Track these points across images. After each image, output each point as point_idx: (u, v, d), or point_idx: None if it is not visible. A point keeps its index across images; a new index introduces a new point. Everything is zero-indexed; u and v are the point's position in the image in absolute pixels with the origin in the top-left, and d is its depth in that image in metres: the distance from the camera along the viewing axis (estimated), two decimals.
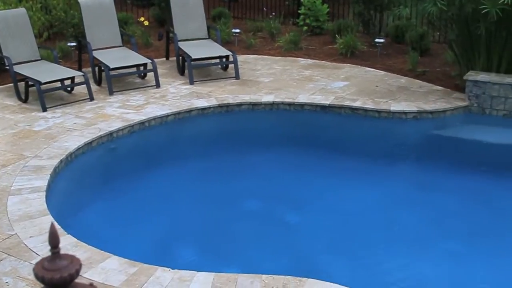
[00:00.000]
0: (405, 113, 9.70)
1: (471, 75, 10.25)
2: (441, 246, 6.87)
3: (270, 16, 15.46)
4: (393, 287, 6.08)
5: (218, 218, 7.44)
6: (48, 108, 9.50)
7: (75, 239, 5.93)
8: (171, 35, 12.02)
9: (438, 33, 13.70)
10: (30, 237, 6.00)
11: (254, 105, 10.07)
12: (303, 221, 7.45)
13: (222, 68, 11.89)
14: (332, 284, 5.20)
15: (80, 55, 11.56)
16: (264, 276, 5.36)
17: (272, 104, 10.06)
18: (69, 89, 10.34)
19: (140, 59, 11.01)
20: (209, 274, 5.39)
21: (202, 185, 8.30)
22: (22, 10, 10.76)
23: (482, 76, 10.18)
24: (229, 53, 11.46)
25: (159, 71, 11.13)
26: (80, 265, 2.35)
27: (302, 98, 10.15)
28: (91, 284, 2.41)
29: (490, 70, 10.53)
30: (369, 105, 9.86)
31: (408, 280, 6.25)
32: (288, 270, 5.68)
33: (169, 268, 5.50)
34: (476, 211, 7.70)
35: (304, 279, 5.29)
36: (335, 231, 7.18)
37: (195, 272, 5.43)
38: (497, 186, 8.32)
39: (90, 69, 11.05)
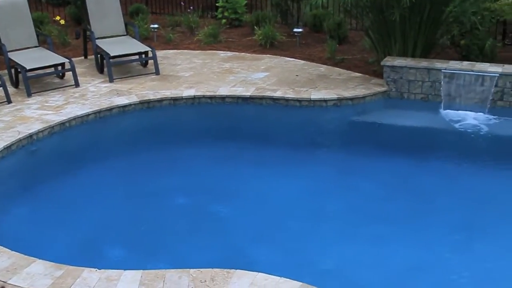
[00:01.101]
0: (325, 101, 9.82)
1: (388, 61, 10.44)
2: (367, 230, 6.98)
3: (188, 10, 15.39)
4: (321, 273, 6.15)
5: (145, 215, 7.40)
6: None
7: None
8: (88, 33, 11.86)
9: (355, 21, 13.89)
10: None
11: (175, 100, 10.02)
12: (230, 213, 7.47)
13: (142, 64, 11.80)
14: (259, 273, 5.24)
15: None
16: (192, 270, 5.35)
17: (194, 98, 10.03)
18: None
19: (57, 58, 10.83)
20: (137, 272, 5.36)
21: (127, 183, 8.25)
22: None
23: (399, 61, 10.38)
24: (148, 49, 11.38)
25: (78, 70, 10.96)
26: None
27: (223, 91, 10.17)
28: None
29: (406, 55, 10.75)
30: (290, 94, 9.94)
31: (335, 265, 6.33)
32: (216, 263, 5.68)
33: (96, 269, 5.44)
34: (399, 195, 7.84)
35: (232, 270, 5.32)
36: (263, 221, 7.23)
37: (122, 270, 5.39)
38: (417, 169, 8.50)
39: (6, 71, 10.80)
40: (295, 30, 13.26)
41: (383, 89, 10.29)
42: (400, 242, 6.74)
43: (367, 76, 10.96)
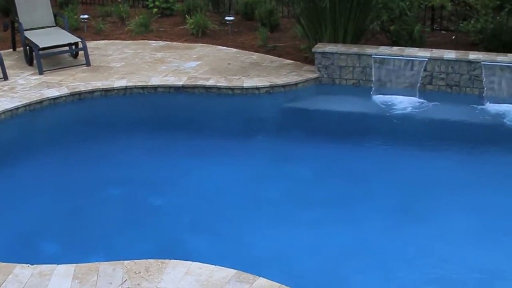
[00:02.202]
0: (258, 88, 9.85)
1: (319, 47, 10.52)
2: (302, 216, 7.02)
3: (119, 0, 15.22)
4: (257, 260, 6.16)
5: (79, 208, 7.29)
6: None
7: None
8: (16, 24, 11.63)
9: (286, 9, 13.95)
10: None
11: (106, 91, 9.93)
12: (165, 203, 7.42)
13: (72, 56, 11.62)
14: (193, 262, 5.25)
15: None
16: (126, 262, 5.33)
17: (125, 89, 9.95)
18: None
19: None
20: (70, 265, 5.30)
21: (59, 176, 8.10)
22: None
23: (330, 48, 10.48)
24: (78, 39, 11.22)
25: (6, 63, 10.75)
26: None
27: (155, 81, 10.11)
28: None
29: (337, 41, 10.86)
30: (222, 83, 9.95)
31: (272, 251, 6.35)
32: (152, 254, 5.67)
33: (28, 264, 5.36)
34: (333, 179, 7.91)
35: (167, 260, 5.31)
36: (198, 211, 7.19)
37: (55, 265, 5.32)
38: (350, 153, 8.59)
39: None
40: (226, 18, 13.26)
41: (315, 75, 10.37)
42: (336, 226, 6.79)
43: (299, 63, 11.03)
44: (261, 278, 5.10)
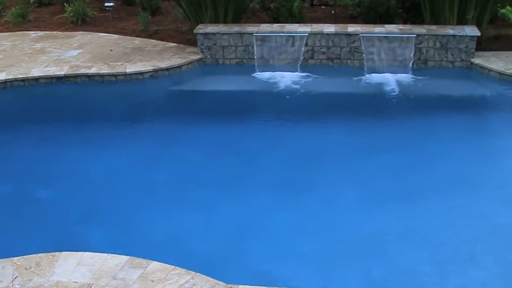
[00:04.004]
0: (141, 73, 9.80)
1: (201, 28, 10.54)
2: (194, 198, 7.04)
3: None
4: (150, 244, 6.15)
5: None
6: None
7: None
8: None
9: None
10: None
11: None
12: (54, 196, 7.28)
13: None
14: (85, 252, 5.22)
15: None
16: (15, 258, 5.23)
17: (5, 82, 9.70)
18: None
19: None
20: None
21: None
22: None
23: (211, 28, 10.52)
24: None
25: None
26: None
27: (36, 72, 9.90)
28: None
29: (218, 21, 10.90)
30: (105, 70, 9.84)
31: (165, 234, 6.35)
32: (42, 248, 5.57)
33: None
34: (223, 159, 7.95)
35: (57, 253, 5.25)
36: (89, 201, 7.10)
37: None
38: (238, 132, 8.67)
39: None
40: (106, 4, 13.07)
41: (198, 56, 10.40)
42: (226, 205, 6.86)
43: (182, 45, 11.03)
44: (154, 261, 5.13)
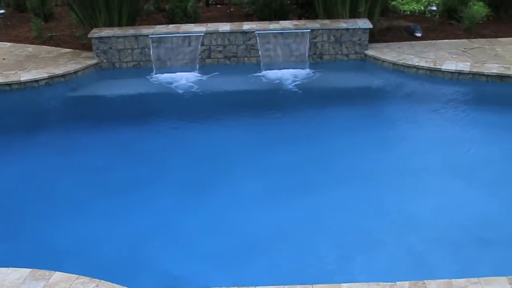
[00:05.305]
0: (36, 81, 9.62)
1: (95, 33, 10.43)
2: (96, 204, 6.92)
3: None
4: (53, 255, 6.04)
5: None
6: None
7: None
8: None
9: None
10: None
11: None
12: None
13: None
14: None
15: None
16: None
17: None
18: None
19: None
20: None
21: None
22: None
23: (106, 32, 10.42)
24: None
25: None
26: None
27: None
28: None
29: (112, 25, 10.79)
30: None
31: (68, 243, 6.24)
32: None
33: None
34: (124, 163, 7.87)
35: None
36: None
37: None
38: (138, 135, 8.60)
39: None
40: None
41: (94, 61, 10.29)
42: (131, 210, 6.79)
43: (77, 50, 10.88)
44: (57, 272, 5.07)
